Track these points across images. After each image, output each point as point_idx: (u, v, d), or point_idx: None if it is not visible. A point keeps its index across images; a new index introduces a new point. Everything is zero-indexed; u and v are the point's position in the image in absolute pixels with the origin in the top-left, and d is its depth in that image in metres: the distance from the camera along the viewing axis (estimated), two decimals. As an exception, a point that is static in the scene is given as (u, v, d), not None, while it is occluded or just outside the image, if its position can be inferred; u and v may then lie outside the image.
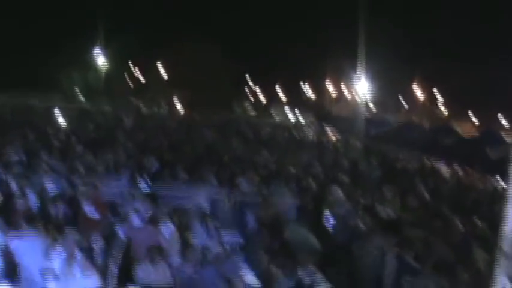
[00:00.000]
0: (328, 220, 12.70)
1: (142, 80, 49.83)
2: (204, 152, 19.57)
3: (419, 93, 49.12)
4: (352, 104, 39.02)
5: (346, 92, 46.29)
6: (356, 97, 37.49)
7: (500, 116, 45.82)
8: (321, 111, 44.10)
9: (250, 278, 7.36)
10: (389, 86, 40.21)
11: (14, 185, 11.47)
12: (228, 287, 7.28)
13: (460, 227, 12.21)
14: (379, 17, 30.70)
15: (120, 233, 9.88)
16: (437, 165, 24.46)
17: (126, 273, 8.34)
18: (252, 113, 48.50)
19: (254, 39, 42.19)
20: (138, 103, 41.06)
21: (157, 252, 9.17)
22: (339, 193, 13.92)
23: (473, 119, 47.79)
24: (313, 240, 10.97)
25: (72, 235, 8.15)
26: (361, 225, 11.75)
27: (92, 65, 39.81)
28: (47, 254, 8.26)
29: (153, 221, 10.47)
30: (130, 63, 48.19)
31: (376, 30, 29.25)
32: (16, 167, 12.90)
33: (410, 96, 49.01)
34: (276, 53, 42.22)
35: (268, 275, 8.54)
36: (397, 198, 14.51)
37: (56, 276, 7.73)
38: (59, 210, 10.48)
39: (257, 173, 15.93)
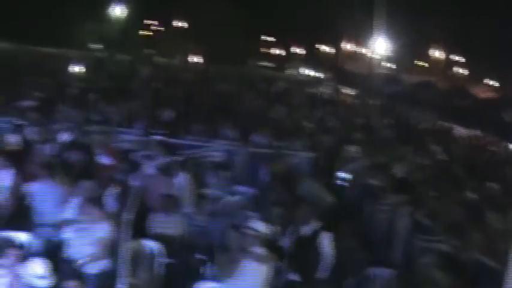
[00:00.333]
0: (341, 176, 12.74)
1: (159, 32, 49.52)
2: (219, 104, 19.54)
3: (437, 53, 48.42)
4: (369, 63, 38.66)
5: (363, 51, 45.77)
6: (373, 56, 37.19)
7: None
8: (337, 68, 43.76)
9: (261, 227, 7.37)
10: (407, 46, 39.64)
11: (29, 133, 11.51)
12: (239, 237, 7.30)
13: (473, 188, 12.20)
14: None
15: (134, 181, 9.93)
16: (451, 126, 24.31)
17: (139, 222, 8.39)
18: (268, 68, 48.19)
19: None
20: (155, 54, 40.87)
21: (170, 201, 9.24)
22: (352, 150, 13.92)
23: (492, 82, 47.13)
24: (325, 195, 11.00)
25: (86, 183, 8.17)
26: (374, 183, 11.76)
27: (108, 16, 39.59)
28: (61, 201, 8.32)
29: (167, 170, 10.48)
30: (147, 15, 47.85)
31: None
32: (31, 114, 12.92)
33: (428, 57, 48.34)
34: (293, 10, 41.65)
35: (277, 228, 8.58)
36: (410, 157, 14.48)
37: (70, 224, 7.80)
38: (73, 158, 10.52)
39: (271, 126, 15.91)
